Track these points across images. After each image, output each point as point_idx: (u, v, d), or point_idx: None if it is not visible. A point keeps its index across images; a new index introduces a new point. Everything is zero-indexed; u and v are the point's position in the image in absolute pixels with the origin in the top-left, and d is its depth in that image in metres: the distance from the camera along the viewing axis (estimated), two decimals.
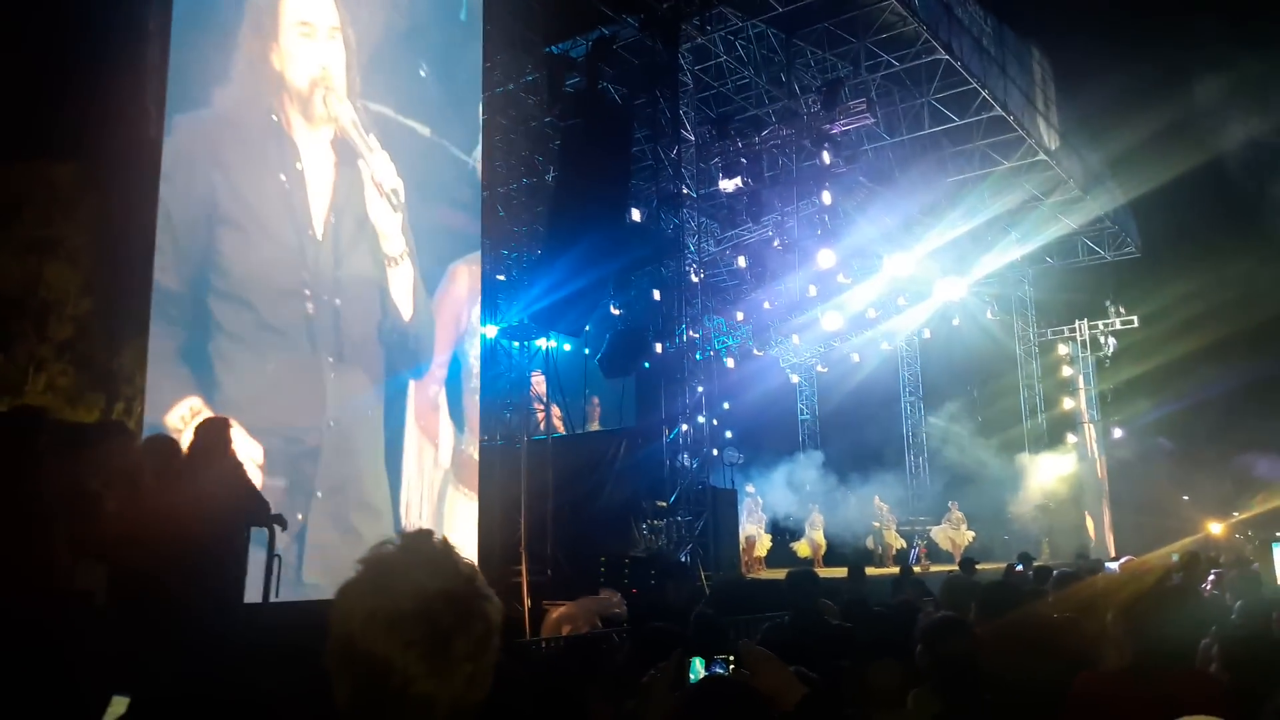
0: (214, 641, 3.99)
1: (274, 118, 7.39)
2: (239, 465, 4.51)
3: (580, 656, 6.16)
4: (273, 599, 4.84)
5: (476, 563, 1.29)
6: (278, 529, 4.81)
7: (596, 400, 18.04)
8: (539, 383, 13.67)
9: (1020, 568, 9.30)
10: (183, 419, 6.20)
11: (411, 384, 8.24)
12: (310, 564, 6.89)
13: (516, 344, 11.47)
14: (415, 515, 8.07)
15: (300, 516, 6.87)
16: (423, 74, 8.92)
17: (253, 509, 4.46)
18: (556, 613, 8.42)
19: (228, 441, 4.39)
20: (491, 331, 12.16)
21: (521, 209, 11.58)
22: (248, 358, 6.85)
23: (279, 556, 4.79)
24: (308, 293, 7.37)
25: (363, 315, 7.79)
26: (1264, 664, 2.68)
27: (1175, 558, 7.11)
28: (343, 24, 7.93)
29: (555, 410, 16.42)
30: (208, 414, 6.32)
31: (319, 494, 7.14)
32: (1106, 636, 2.55)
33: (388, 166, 8.13)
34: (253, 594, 4.73)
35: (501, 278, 12.26)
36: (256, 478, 6.55)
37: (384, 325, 7.98)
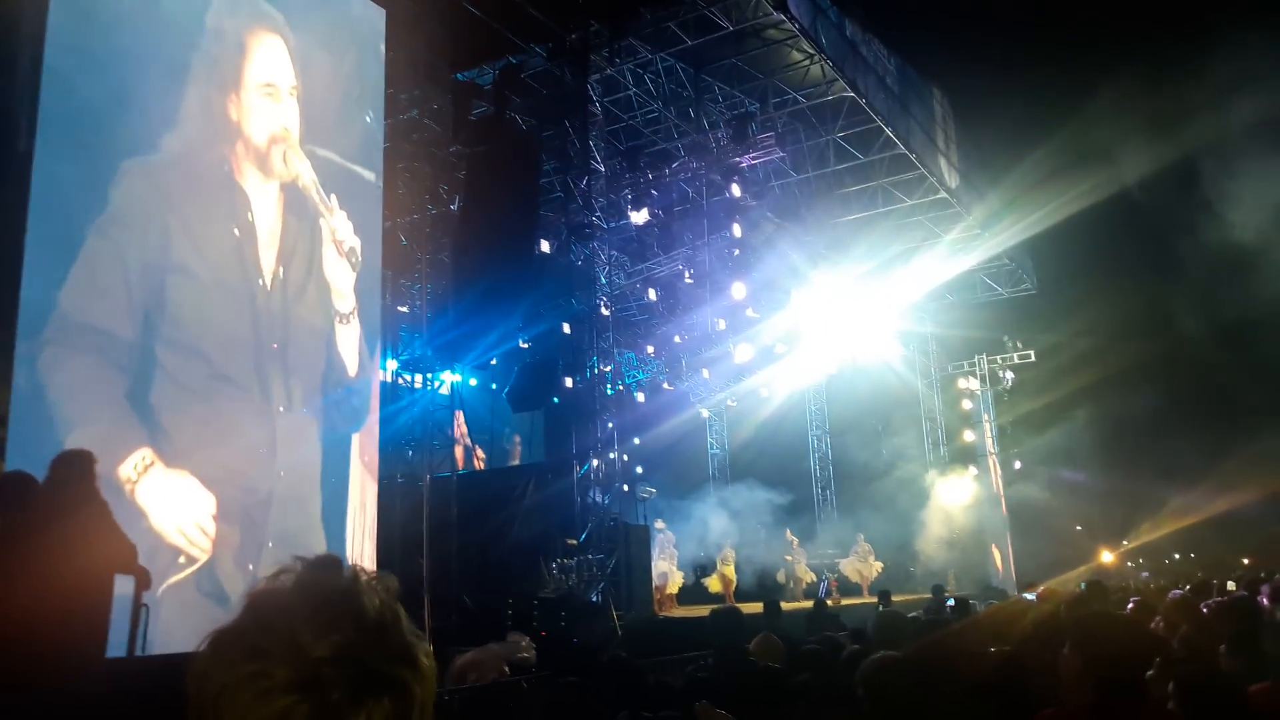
0: (71, 699, 3.52)
1: (226, 168, 7.27)
2: (103, 506, 4.03)
3: (488, 709, 5.78)
4: (140, 653, 4.35)
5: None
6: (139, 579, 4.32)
7: (518, 439, 17.63)
8: (460, 421, 13.29)
9: (951, 602, 9.26)
10: (135, 469, 6.02)
11: (355, 437, 8.22)
12: None
13: (419, 377, 11.03)
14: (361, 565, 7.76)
15: (251, 566, 6.75)
16: (369, 120, 8.95)
17: (117, 555, 3.98)
18: (461, 660, 7.95)
19: (91, 479, 3.92)
20: (392, 365, 11.70)
21: (425, 239, 11.20)
22: (199, 407, 6.69)
23: (146, 607, 4.32)
24: (258, 343, 7.30)
25: (310, 367, 7.75)
26: (1220, 704, 2.53)
27: (1083, 586, 7.14)
28: (299, 82, 7.91)
29: (478, 452, 15.97)
30: (160, 466, 6.17)
31: (269, 544, 7.01)
32: (1064, 672, 2.35)
33: (347, 225, 8.15)
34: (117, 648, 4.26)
35: (404, 309, 11.82)
36: (211, 528, 6.47)
37: (329, 378, 7.94)
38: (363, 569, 0.97)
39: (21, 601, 3.33)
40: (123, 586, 4.34)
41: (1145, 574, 28.80)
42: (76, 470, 4.00)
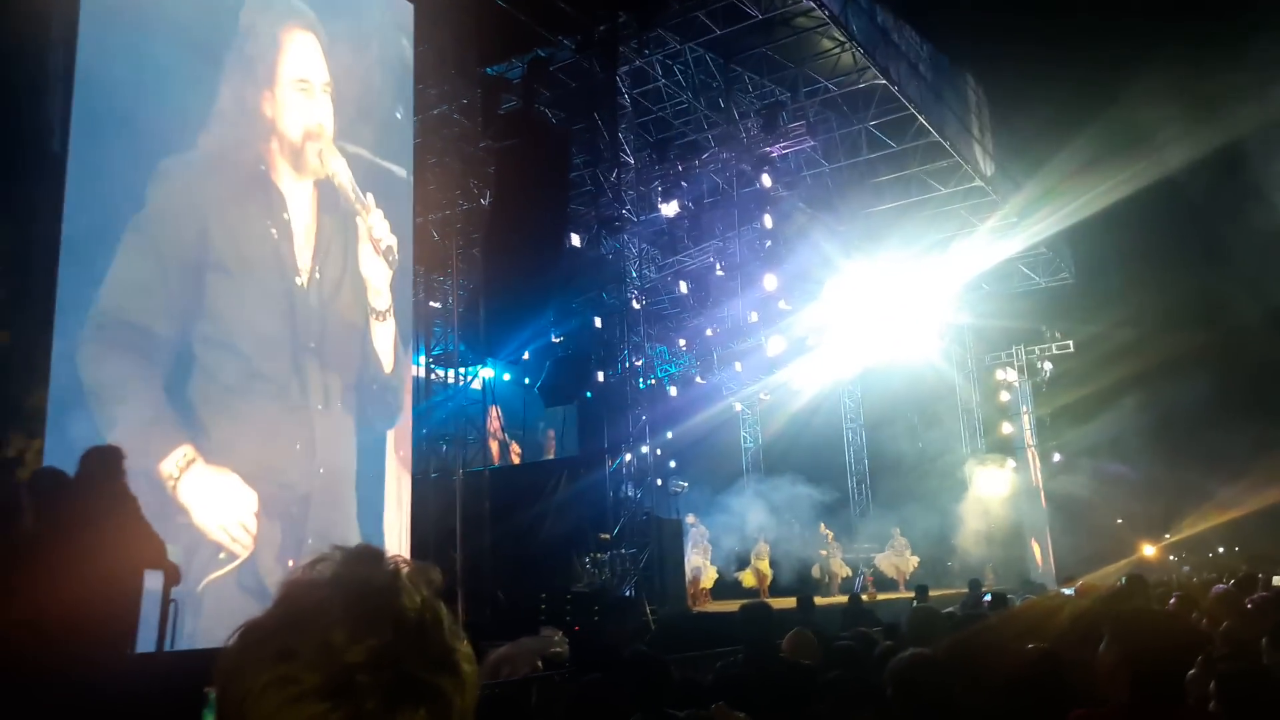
0: (100, 693, 3.54)
1: (262, 166, 7.34)
2: (133, 502, 4.06)
3: (520, 703, 5.77)
4: (171, 648, 4.38)
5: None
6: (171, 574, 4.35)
7: (551, 433, 17.66)
8: (495, 416, 13.32)
9: (988, 597, 9.13)
10: (177, 465, 6.11)
11: (389, 434, 8.27)
12: None
13: (452, 373, 11.06)
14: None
15: (291, 562, 6.85)
16: (399, 116, 9.00)
17: (146, 551, 4.01)
18: (495, 655, 7.97)
19: (121, 475, 3.94)
20: (425, 361, 11.75)
21: (456, 234, 11.22)
22: (238, 405, 6.77)
23: (175, 602, 4.35)
24: (295, 340, 7.38)
25: (346, 364, 7.82)
26: (1264, 702, 2.43)
27: (1123, 580, 6.98)
28: (332, 79, 7.96)
29: (514, 446, 16.02)
30: (201, 462, 6.25)
31: (309, 540, 7.08)
32: (1100, 670, 2.28)
33: (384, 224, 8.19)
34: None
35: (436, 304, 11.87)
36: (252, 525, 6.56)
37: (365, 375, 8.01)
38: (405, 560, 0.91)
39: (51, 597, 3.36)
40: (152, 582, 4.36)
41: (1187, 568, 28.23)
42: (107, 467, 4.04)
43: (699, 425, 17.47)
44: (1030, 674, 2.70)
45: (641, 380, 13.73)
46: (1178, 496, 31.16)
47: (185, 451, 6.26)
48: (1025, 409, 25.06)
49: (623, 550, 11.29)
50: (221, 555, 6.38)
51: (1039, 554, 23.92)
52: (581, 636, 8.78)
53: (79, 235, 6.05)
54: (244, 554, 6.54)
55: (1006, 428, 24.46)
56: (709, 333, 16.61)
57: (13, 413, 5.23)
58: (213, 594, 6.20)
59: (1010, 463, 23.93)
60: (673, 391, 17.41)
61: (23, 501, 3.93)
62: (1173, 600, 5.56)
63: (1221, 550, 36.19)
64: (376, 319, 8.23)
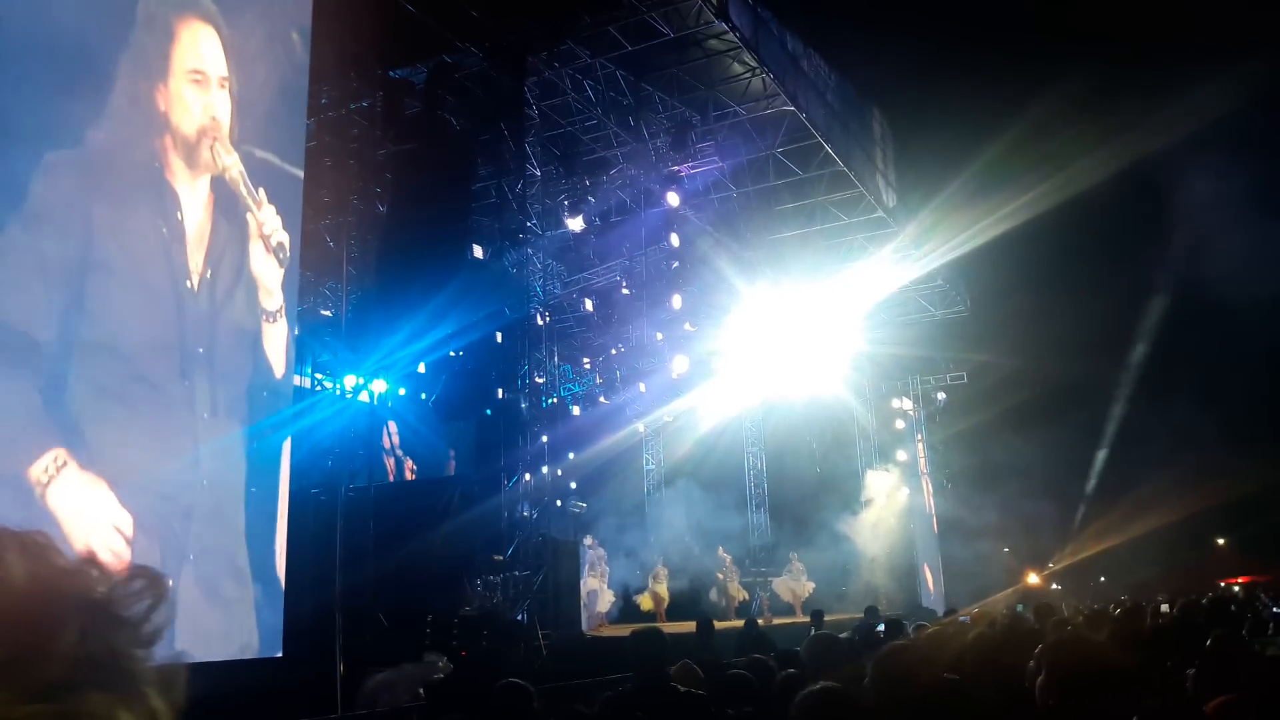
0: None
1: (155, 163, 6.93)
2: None
3: None
4: None
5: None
6: None
7: (453, 451, 17.16)
8: (391, 432, 12.81)
9: (881, 627, 9.10)
10: (47, 471, 5.75)
11: (284, 444, 7.90)
12: (181, 631, 6.19)
13: (340, 384, 10.57)
14: (284, 582, 7.60)
15: (171, 582, 6.10)
16: (294, 115, 8.64)
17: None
18: (373, 681, 7.54)
19: None
20: (316, 375, 11.23)
21: (350, 240, 10.77)
22: (117, 411, 6.34)
23: None
24: (182, 345, 6.98)
25: (237, 371, 7.44)
26: None
27: (1020, 608, 7.03)
28: (230, 74, 7.56)
29: (409, 463, 15.46)
30: (74, 468, 5.85)
31: (190, 556, 6.73)
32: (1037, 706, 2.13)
33: (275, 220, 7.85)
34: None
35: (327, 313, 11.36)
36: (129, 539, 6.14)
37: (256, 382, 7.62)
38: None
39: None
40: None
41: (1071, 597, 29.24)
42: None
43: (601, 446, 17.24)
44: (940, 705, 2.53)
45: (544, 398, 13.43)
46: (1060, 525, 32.35)
47: (56, 455, 5.83)
48: (919, 436, 25.63)
49: (516, 572, 10.94)
50: (95, 572, 5.88)
51: (930, 580, 24.40)
52: (468, 663, 8.40)
53: None
54: (119, 568, 6.03)
55: (902, 455, 24.96)
56: (614, 352, 16.43)
57: None
58: None
59: (905, 490, 24.40)
60: (575, 411, 17.16)
61: None
62: (1068, 630, 5.55)
63: (1104, 579, 37.65)
64: (268, 321, 7.85)
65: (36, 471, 5.74)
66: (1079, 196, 19.57)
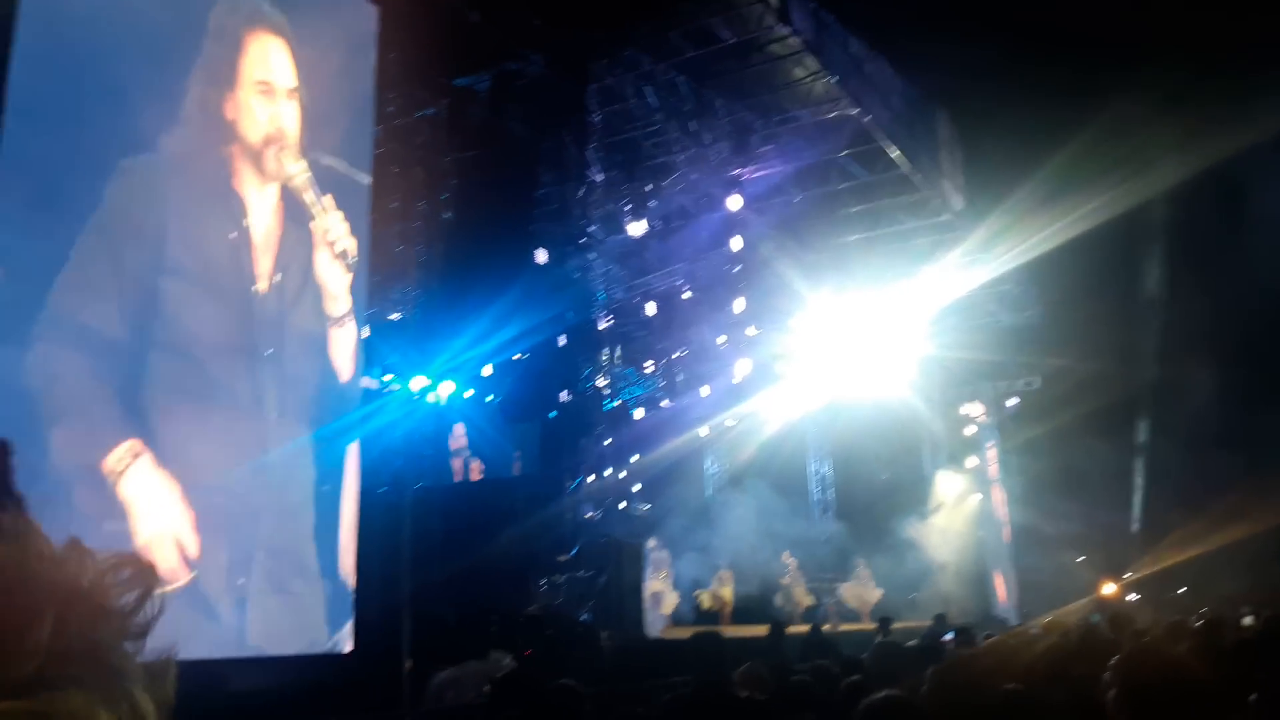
0: None
1: (224, 170, 7.23)
2: (19, 501, 3.74)
3: None
4: None
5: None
6: None
7: (518, 453, 17.37)
8: (460, 434, 13.03)
9: (950, 634, 8.96)
10: (122, 460, 5.99)
11: (349, 450, 8.10)
12: (253, 627, 6.74)
13: (408, 385, 10.79)
14: (351, 586, 7.81)
15: (241, 580, 6.71)
16: (362, 123, 8.94)
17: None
18: (439, 678, 7.66)
19: (5, 470, 3.64)
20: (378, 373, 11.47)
21: (418, 245, 11.00)
22: (189, 412, 6.61)
23: None
24: (252, 348, 7.23)
25: (304, 374, 7.69)
26: None
27: (1095, 618, 6.85)
28: (298, 84, 7.84)
29: (476, 464, 15.71)
30: (148, 458, 6.06)
31: (260, 554, 6.92)
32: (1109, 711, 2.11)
33: (341, 227, 8.04)
34: None
35: (396, 316, 11.61)
36: (196, 535, 6.32)
37: (324, 385, 7.85)
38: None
39: None
40: None
41: (1150, 607, 28.27)
42: None
43: (664, 449, 17.27)
44: (1002, 717, 2.52)
45: (606, 401, 13.52)
46: (1139, 534, 31.31)
47: (131, 446, 6.08)
48: (991, 443, 25.10)
49: (580, 573, 11.03)
50: (167, 567, 6.15)
51: (1002, 588, 23.86)
52: (532, 662, 8.49)
53: (33, 232, 5.86)
54: (190, 564, 6.30)
55: (972, 461, 24.48)
56: (676, 355, 16.45)
57: None
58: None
59: (976, 496, 23.92)
60: (638, 414, 17.21)
61: None
62: (1147, 642, 5.39)
63: (1184, 590, 36.35)
64: (335, 325, 8.06)
65: (112, 461, 5.97)
66: (1157, 198, 18.99)
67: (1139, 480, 28.13)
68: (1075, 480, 25.74)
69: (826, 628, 13.76)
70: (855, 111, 14.58)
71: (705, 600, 16.15)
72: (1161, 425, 26.92)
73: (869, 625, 15.53)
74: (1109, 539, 29.59)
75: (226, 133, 7.32)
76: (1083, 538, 27.57)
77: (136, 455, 6.05)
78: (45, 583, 0.61)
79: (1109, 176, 18.14)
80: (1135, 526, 29.37)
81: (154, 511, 6.20)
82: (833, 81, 13.99)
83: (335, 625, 7.60)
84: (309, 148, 7.96)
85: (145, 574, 0.66)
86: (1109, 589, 28.97)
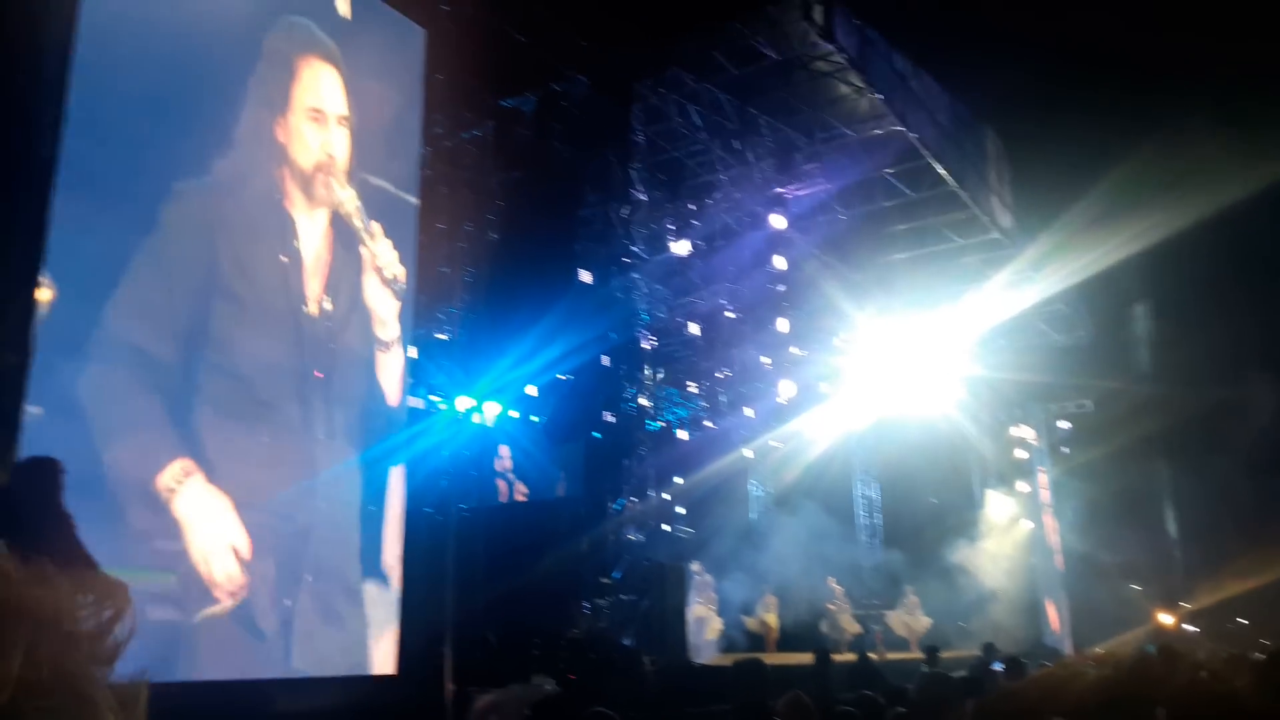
0: None
1: (275, 193, 7.32)
2: (67, 519, 3.74)
3: None
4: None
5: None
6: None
7: (563, 474, 17.34)
8: (505, 455, 13.02)
9: (999, 665, 8.69)
10: (175, 479, 6.07)
11: (393, 472, 8.14)
12: (298, 648, 6.75)
13: (454, 405, 10.77)
14: (397, 605, 7.82)
15: (288, 601, 6.73)
16: (409, 145, 9.01)
17: (81, 573, 3.68)
18: (482, 702, 7.57)
19: (56, 489, 3.63)
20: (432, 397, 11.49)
21: (464, 266, 11.01)
22: (239, 433, 6.67)
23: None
24: (301, 370, 7.31)
25: (352, 396, 7.75)
26: None
27: (1151, 649, 6.56)
28: (349, 111, 7.94)
29: (520, 486, 15.69)
30: (200, 478, 6.11)
31: (308, 576, 6.95)
32: None
33: (390, 254, 8.15)
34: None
35: (443, 336, 11.63)
36: (246, 556, 6.35)
37: (371, 408, 7.91)
38: None
39: None
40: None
41: (1209, 641, 27.36)
42: (34, 479, 3.72)
43: (708, 471, 17.10)
44: None
45: (650, 422, 13.42)
46: (1197, 563, 30.36)
47: (184, 466, 6.15)
48: (1042, 468, 24.55)
49: (623, 596, 10.90)
50: (217, 589, 6.19)
51: (1054, 617, 23.25)
52: (574, 686, 8.38)
53: (89, 255, 5.94)
54: (240, 586, 6.32)
55: (1022, 486, 23.95)
56: (719, 375, 16.32)
57: None
58: (208, 629, 6.10)
59: (1026, 522, 23.38)
60: (682, 435, 17.09)
61: None
62: (1204, 675, 5.14)
63: (1245, 621, 35.17)
64: (383, 350, 8.11)
65: (165, 479, 6.01)
66: (1215, 216, 18.47)
67: (1197, 506, 27.29)
68: (1130, 506, 25.08)
69: (873, 656, 13.46)
70: (901, 128, 14.42)
71: (751, 624, 15.93)
72: (1220, 449, 26.12)
73: (917, 654, 15.19)
74: (1166, 567, 28.74)
75: (278, 155, 7.40)
76: (1138, 565, 26.81)
77: (188, 475, 6.13)
78: (13, 611, 0.60)
79: (1163, 195, 17.74)
80: (1193, 555, 28.53)
81: (205, 531, 6.23)
82: (878, 98, 13.86)
83: (379, 647, 7.56)
84: (358, 169, 8.03)
85: (113, 594, 0.66)
86: (1166, 619, 28.14)
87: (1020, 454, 24.12)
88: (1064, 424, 24.35)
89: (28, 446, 5.09)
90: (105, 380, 5.87)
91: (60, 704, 0.59)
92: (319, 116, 7.70)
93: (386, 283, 8.08)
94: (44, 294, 5.70)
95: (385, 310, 8.10)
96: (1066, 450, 24.84)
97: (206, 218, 6.72)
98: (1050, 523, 24.25)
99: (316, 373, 7.38)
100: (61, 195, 5.78)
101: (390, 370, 8.15)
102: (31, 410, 5.31)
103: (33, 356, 5.49)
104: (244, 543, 6.44)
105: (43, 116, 5.76)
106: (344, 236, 7.78)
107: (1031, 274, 19.07)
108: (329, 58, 7.95)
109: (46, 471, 3.79)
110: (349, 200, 7.78)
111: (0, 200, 5.78)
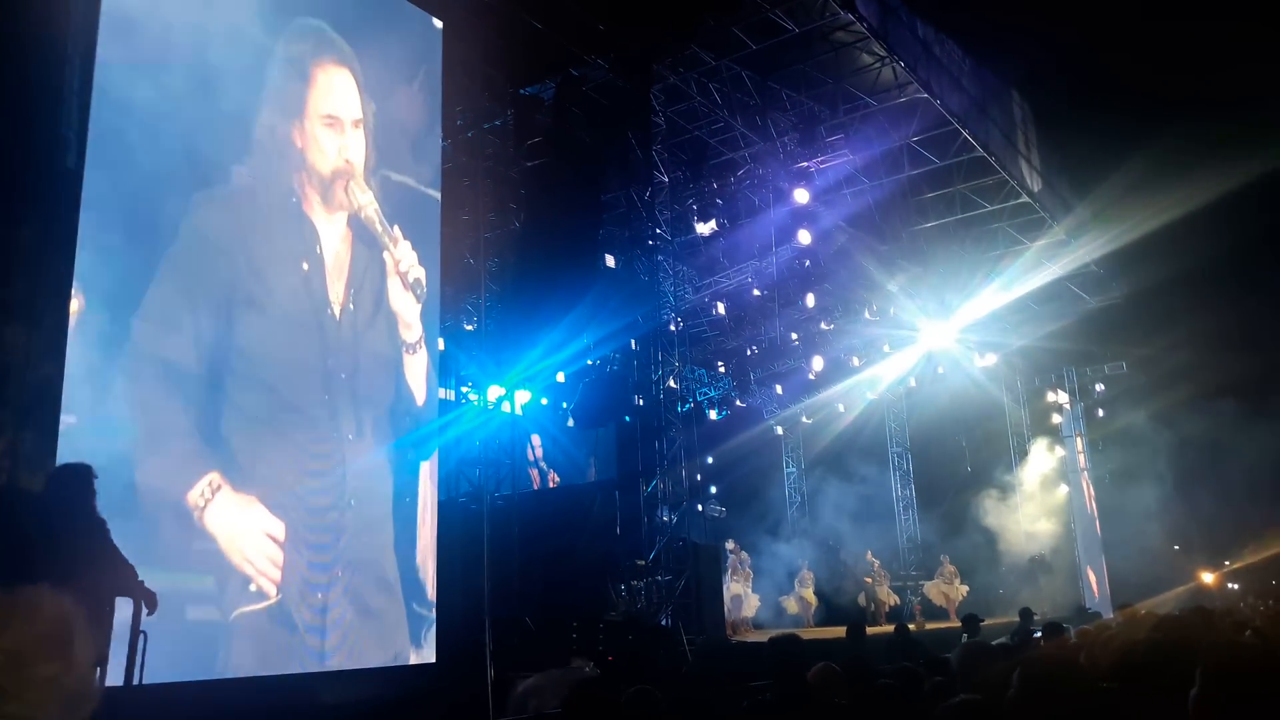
0: None
1: (294, 198, 7.37)
2: (101, 524, 3.86)
3: None
4: (137, 682, 4.22)
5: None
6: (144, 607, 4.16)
7: (593, 460, 17.45)
8: (536, 444, 13.11)
9: (1039, 633, 8.67)
10: (203, 495, 6.17)
11: (423, 465, 8.22)
12: (332, 643, 6.89)
13: (482, 398, 10.87)
14: (430, 597, 7.94)
15: (320, 595, 6.88)
16: (430, 139, 8.98)
17: (116, 576, 3.81)
18: (523, 686, 7.71)
19: (89, 495, 3.75)
20: (462, 388, 11.60)
21: (488, 255, 11.06)
22: (267, 436, 6.79)
23: (144, 633, 4.19)
24: (327, 372, 7.39)
25: (379, 396, 7.82)
26: None
27: (1177, 611, 6.51)
28: (365, 114, 7.95)
29: (553, 475, 15.82)
30: (228, 490, 6.25)
31: (340, 572, 7.09)
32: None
33: (411, 255, 8.20)
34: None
35: (470, 327, 11.72)
36: (279, 555, 6.52)
37: (398, 408, 7.98)
38: None
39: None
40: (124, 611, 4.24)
41: (1251, 598, 27.06)
42: (69, 484, 3.84)
43: (739, 449, 17.14)
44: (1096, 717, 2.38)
45: (680, 404, 13.45)
46: (1237, 522, 29.97)
47: (212, 480, 6.25)
48: (1078, 432, 24.32)
49: (659, 577, 10.99)
50: (252, 587, 6.35)
51: (1094, 581, 23.11)
52: (614, 667, 8.48)
53: (117, 267, 6.04)
54: (274, 584, 6.45)
55: (1059, 450, 23.75)
56: (748, 353, 16.29)
57: (13, 444, 5.11)
58: (244, 625, 6.23)
59: (1063, 487, 23.20)
60: (712, 415, 17.12)
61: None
62: (1248, 634, 5.11)
63: None
64: (408, 352, 8.19)
65: (194, 495, 6.11)
66: (1257, 182, 18.03)
67: (1236, 466, 26.89)
68: (1168, 468, 24.76)
69: (912, 626, 13.49)
70: (925, 95, 14.21)
71: (790, 605, 16.00)
72: (1259, 407, 25.68)
73: (955, 623, 15.19)
74: (1205, 527, 28.41)
75: (296, 160, 7.43)
76: (1178, 526, 26.53)
77: (217, 489, 6.22)
78: None
79: (1201, 163, 17.36)
80: (1234, 515, 28.15)
81: (238, 535, 6.34)
82: (901, 66, 13.66)
83: (417, 637, 7.69)
84: (379, 166, 8.05)
85: (62, 620, 0.67)
86: (1207, 578, 27.85)
87: (1056, 418, 23.90)
88: (1099, 387, 24.08)
89: (63, 455, 5.20)
90: (133, 393, 5.95)
91: None
92: (335, 123, 7.73)
93: (409, 286, 8.15)
94: (74, 305, 5.82)
95: (409, 313, 8.19)
96: (1102, 413, 24.57)
97: (227, 225, 6.77)
98: (1087, 487, 24.05)
99: (342, 374, 7.48)
100: (85, 207, 5.87)
101: (416, 371, 8.22)
102: (66, 419, 5.43)
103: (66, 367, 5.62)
104: (277, 542, 6.57)
105: (67, 130, 5.85)
106: (365, 238, 7.83)
107: (1065, 239, 18.80)
108: (343, 61, 7.95)
109: (81, 478, 3.92)
110: (369, 204, 7.83)
111: (32, 212, 5.90)
